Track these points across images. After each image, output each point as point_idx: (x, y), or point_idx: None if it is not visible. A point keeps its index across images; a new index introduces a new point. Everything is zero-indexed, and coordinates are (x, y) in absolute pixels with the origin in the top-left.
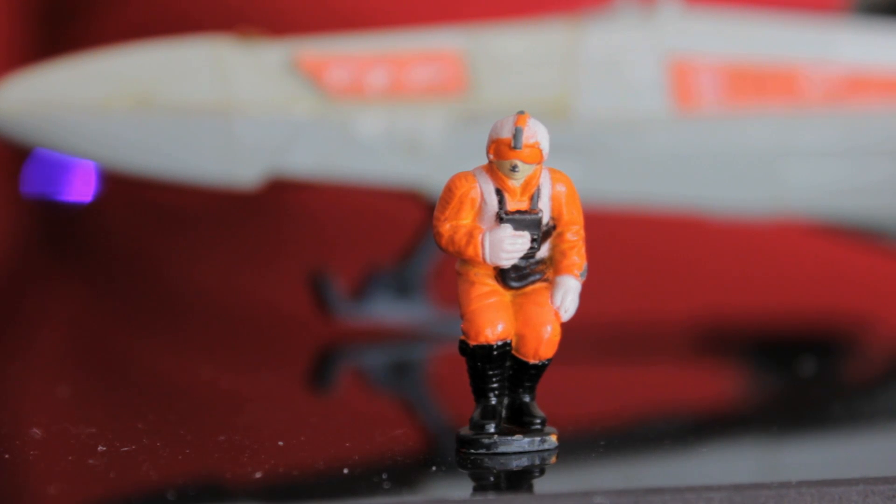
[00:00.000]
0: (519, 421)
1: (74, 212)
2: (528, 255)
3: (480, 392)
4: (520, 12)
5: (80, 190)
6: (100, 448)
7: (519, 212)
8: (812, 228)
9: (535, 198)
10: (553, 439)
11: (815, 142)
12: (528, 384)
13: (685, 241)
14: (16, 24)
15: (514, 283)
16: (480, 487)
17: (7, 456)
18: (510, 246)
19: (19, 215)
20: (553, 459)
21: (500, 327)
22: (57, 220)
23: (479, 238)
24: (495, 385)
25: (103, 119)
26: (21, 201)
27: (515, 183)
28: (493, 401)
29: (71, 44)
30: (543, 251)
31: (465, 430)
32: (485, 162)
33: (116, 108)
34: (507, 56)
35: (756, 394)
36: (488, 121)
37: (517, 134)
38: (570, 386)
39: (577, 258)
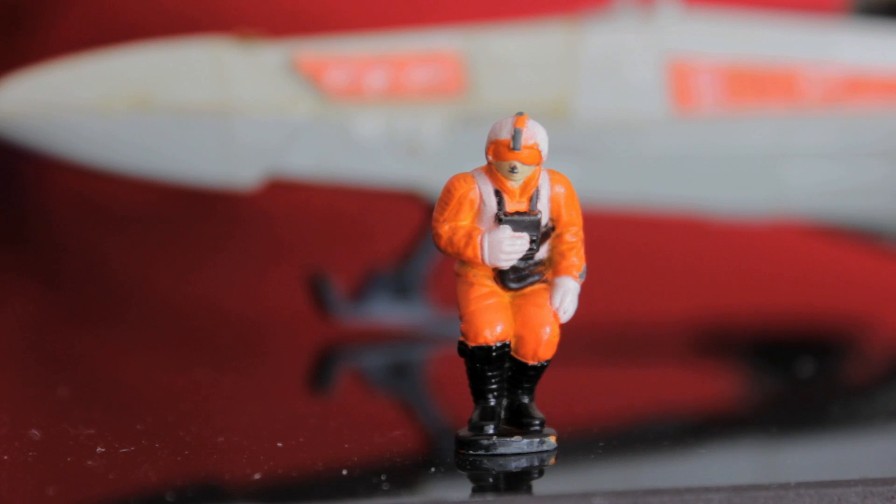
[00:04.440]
0: (518, 422)
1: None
2: (527, 257)
3: (479, 393)
4: (518, 13)
5: None
6: (99, 449)
7: (518, 213)
8: (811, 229)
9: (534, 199)
10: (552, 440)
11: (814, 143)
12: (526, 385)
13: (684, 241)
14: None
15: (512, 285)
16: (479, 489)
17: (6, 457)
18: (509, 247)
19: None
20: (552, 461)
21: (498, 328)
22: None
23: (478, 239)
24: (494, 386)
25: (102, 120)
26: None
27: (514, 184)
28: (492, 402)
29: (68, 43)
30: (542, 252)
31: (464, 432)
32: (484, 163)
33: (116, 109)
34: (506, 57)
35: (755, 395)
36: (487, 122)
37: (516, 135)
38: (569, 387)
39: (576, 259)
